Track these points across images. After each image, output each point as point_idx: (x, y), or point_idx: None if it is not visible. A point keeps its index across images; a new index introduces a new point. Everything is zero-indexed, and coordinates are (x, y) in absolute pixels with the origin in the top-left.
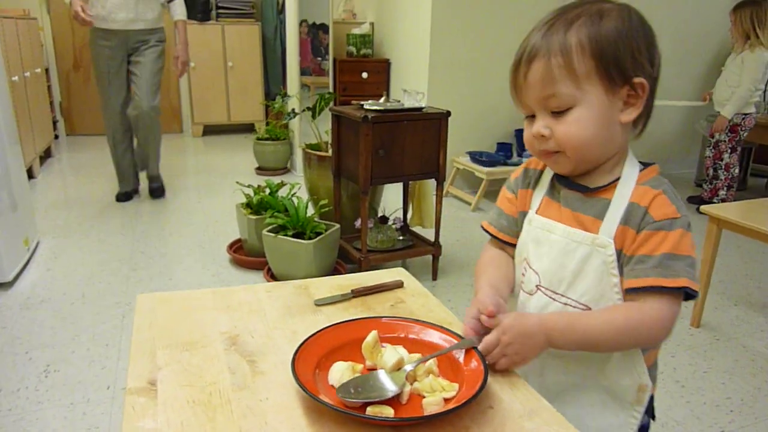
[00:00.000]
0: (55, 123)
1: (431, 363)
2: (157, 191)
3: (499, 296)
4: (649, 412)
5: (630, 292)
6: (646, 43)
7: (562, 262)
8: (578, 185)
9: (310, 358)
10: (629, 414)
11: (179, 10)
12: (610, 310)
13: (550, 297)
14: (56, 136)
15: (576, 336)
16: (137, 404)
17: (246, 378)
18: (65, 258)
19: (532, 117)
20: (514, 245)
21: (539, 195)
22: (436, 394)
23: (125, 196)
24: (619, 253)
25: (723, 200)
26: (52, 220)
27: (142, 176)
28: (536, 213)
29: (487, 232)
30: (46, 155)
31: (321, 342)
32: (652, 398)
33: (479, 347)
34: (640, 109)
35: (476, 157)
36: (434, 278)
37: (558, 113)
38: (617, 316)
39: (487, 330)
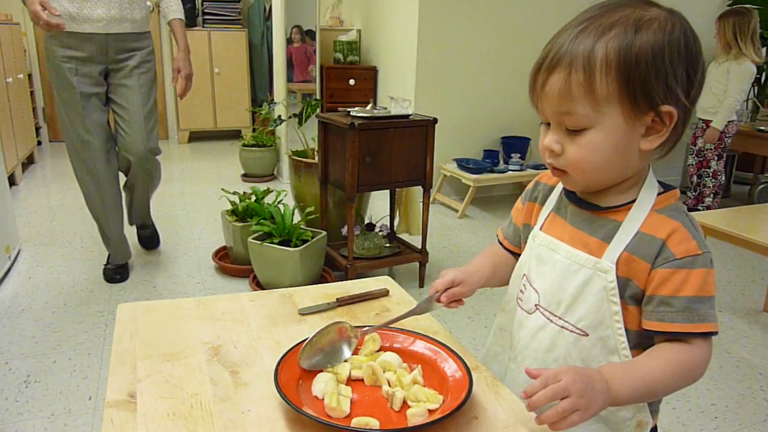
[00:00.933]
0: (38, 129)
1: (416, 373)
2: (152, 240)
3: (472, 276)
4: None
5: (657, 334)
6: (685, 67)
7: (562, 284)
8: (589, 203)
9: (293, 369)
10: None
11: (174, 5)
12: (659, 352)
13: (548, 318)
14: (39, 143)
15: (636, 382)
16: (116, 418)
17: (228, 390)
18: (47, 266)
19: (548, 124)
20: (514, 254)
21: (546, 211)
22: (421, 404)
23: (120, 271)
24: (626, 282)
25: (708, 207)
26: (34, 228)
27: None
28: (540, 229)
29: (498, 237)
30: (29, 161)
31: None
32: (655, 428)
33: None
34: (665, 137)
35: (463, 164)
36: (421, 285)
37: (572, 131)
38: (671, 358)
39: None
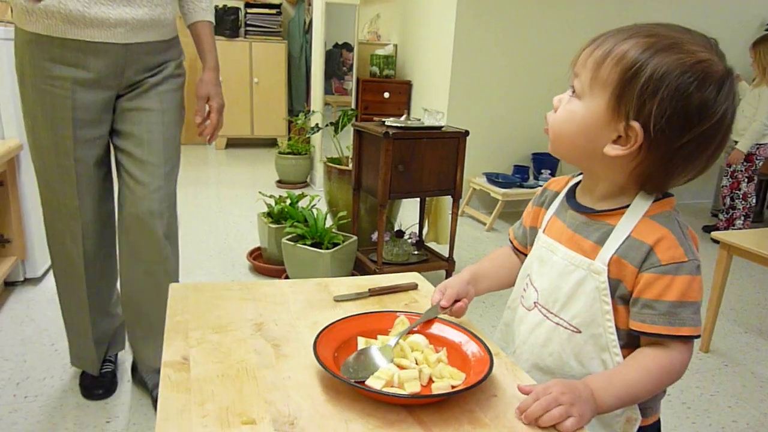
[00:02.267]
0: None
1: (442, 354)
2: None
3: (472, 285)
4: None
5: (642, 335)
6: (681, 108)
7: (559, 284)
8: (585, 207)
9: (331, 343)
10: None
11: (204, 2)
12: (639, 359)
13: (545, 315)
14: None
15: (618, 390)
16: (172, 375)
17: (270, 359)
18: None
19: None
20: (523, 253)
21: (549, 214)
22: (445, 380)
23: (102, 388)
24: (617, 283)
25: (739, 230)
26: None
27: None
28: (543, 232)
29: (509, 237)
30: None
31: (340, 328)
32: (658, 422)
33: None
34: (626, 152)
35: (492, 178)
36: None
37: (572, 92)
38: (650, 364)
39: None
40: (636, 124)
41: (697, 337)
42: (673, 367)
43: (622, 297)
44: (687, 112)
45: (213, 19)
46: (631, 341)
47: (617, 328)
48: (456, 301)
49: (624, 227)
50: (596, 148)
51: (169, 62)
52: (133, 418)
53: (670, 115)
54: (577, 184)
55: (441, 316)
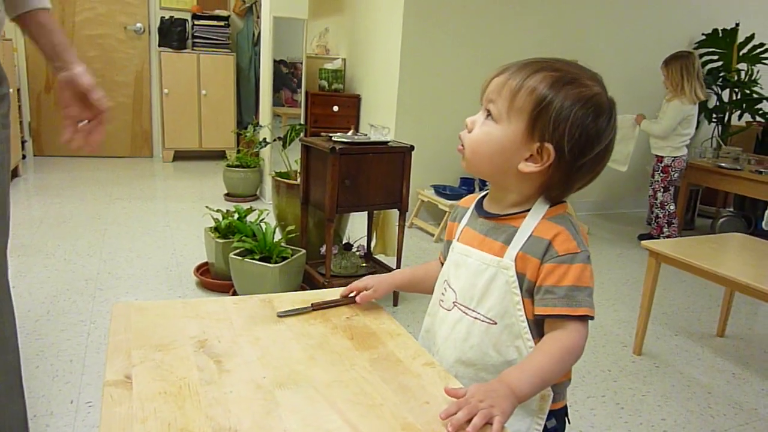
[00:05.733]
0: (23, 143)
1: None
2: None
3: (399, 286)
4: (562, 418)
5: (548, 318)
6: (580, 137)
7: (474, 281)
8: (493, 214)
9: None
10: (533, 420)
11: None
12: (544, 347)
13: (464, 311)
14: (24, 156)
15: (531, 377)
16: (114, 394)
17: (213, 375)
18: (30, 276)
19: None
20: None
21: (462, 226)
22: None
23: None
24: (522, 277)
25: (668, 237)
26: (17, 239)
27: None
28: (457, 241)
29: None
30: (13, 175)
31: None
32: (565, 408)
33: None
34: (538, 169)
35: (440, 190)
36: (395, 304)
37: (488, 115)
38: (553, 348)
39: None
40: (549, 146)
41: (592, 318)
42: (573, 347)
43: (528, 290)
44: (588, 136)
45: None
46: (540, 332)
47: (527, 320)
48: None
49: (526, 228)
50: (511, 166)
51: None
52: None
53: (577, 139)
54: (484, 197)
55: (377, 330)
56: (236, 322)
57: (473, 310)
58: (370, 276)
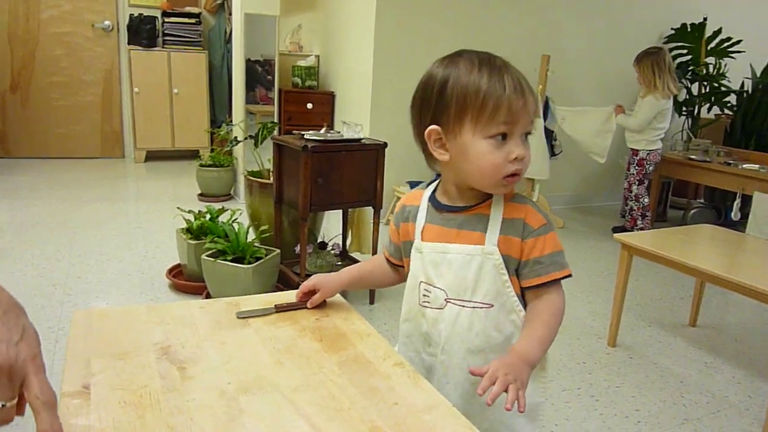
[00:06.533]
0: None
1: None
2: None
3: (348, 285)
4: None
5: (534, 288)
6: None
7: (463, 275)
8: (460, 207)
9: None
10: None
11: None
12: (537, 314)
13: (460, 305)
14: None
15: (537, 344)
16: (71, 405)
17: (175, 382)
18: None
19: (501, 137)
20: (399, 266)
21: (420, 225)
22: None
23: None
24: (507, 257)
25: (641, 229)
26: None
27: None
28: (422, 241)
29: (384, 254)
30: None
31: None
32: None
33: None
34: None
35: (415, 186)
36: (371, 302)
37: (526, 136)
38: (545, 314)
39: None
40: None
41: (571, 275)
42: (561, 308)
43: (514, 268)
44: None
45: None
46: (526, 304)
47: (516, 294)
48: (314, 292)
49: (496, 213)
50: None
51: None
52: None
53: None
54: (434, 192)
55: (347, 332)
56: (201, 326)
57: (469, 301)
58: (317, 275)
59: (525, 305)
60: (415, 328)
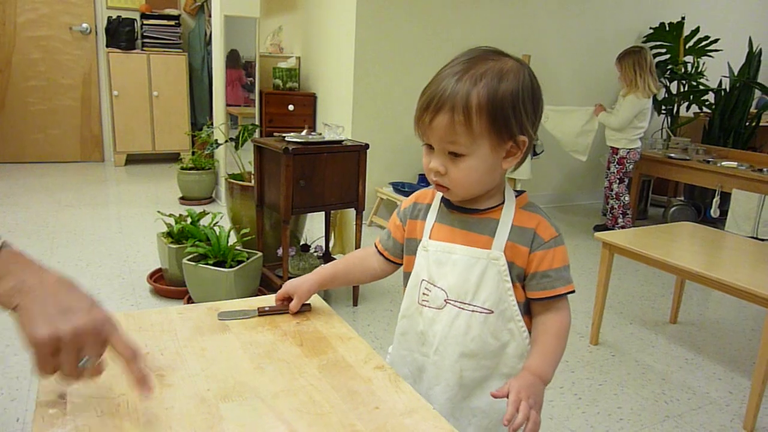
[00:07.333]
0: None
1: None
2: None
3: (323, 284)
4: None
5: (542, 300)
6: (533, 106)
7: (466, 277)
8: (470, 209)
9: None
10: None
11: None
12: (546, 330)
13: (459, 307)
14: None
15: (551, 362)
16: (47, 414)
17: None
18: None
19: (430, 146)
20: (395, 263)
21: (430, 223)
22: None
23: None
24: (512, 265)
25: (622, 227)
26: None
27: None
28: (430, 239)
29: (377, 248)
30: None
31: None
32: None
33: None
34: (519, 159)
35: (398, 187)
36: (355, 304)
37: (454, 156)
38: (556, 330)
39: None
40: (521, 137)
41: (573, 291)
42: (568, 322)
43: (517, 276)
44: (535, 99)
45: None
46: (525, 310)
47: (517, 302)
48: (290, 299)
49: (506, 219)
50: (496, 172)
51: None
52: None
53: (532, 110)
54: None
55: (328, 336)
56: (181, 333)
57: (469, 304)
58: (289, 282)
59: (526, 314)
60: (411, 326)
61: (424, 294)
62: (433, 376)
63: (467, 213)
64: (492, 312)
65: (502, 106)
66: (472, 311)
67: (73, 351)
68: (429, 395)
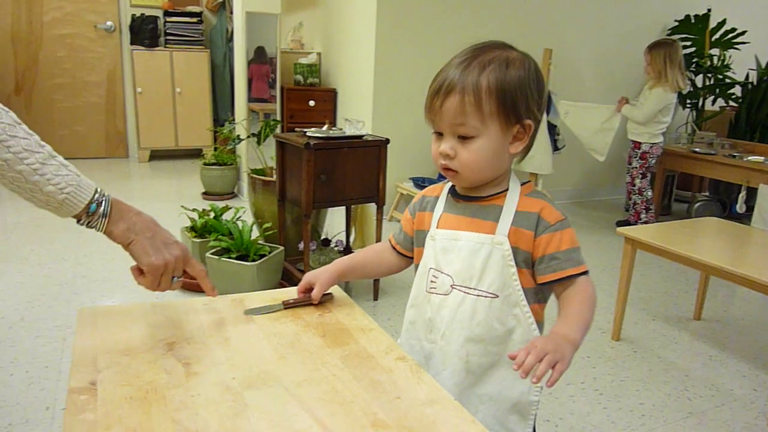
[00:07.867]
0: None
1: None
2: None
3: (336, 276)
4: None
5: (556, 282)
6: (538, 92)
7: (471, 262)
8: (475, 197)
9: None
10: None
11: None
12: (575, 300)
13: (465, 292)
14: None
15: (578, 324)
16: (78, 400)
17: (180, 378)
18: (3, 282)
19: (439, 134)
20: (406, 256)
21: (438, 214)
22: None
23: None
24: (516, 249)
25: (645, 222)
26: None
27: None
28: (437, 228)
29: (390, 243)
30: None
31: None
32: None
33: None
34: (526, 143)
35: (418, 182)
36: (375, 298)
37: (463, 139)
38: (582, 298)
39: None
40: (527, 121)
41: (587, 272)
42: (592, 294)
43: (523, 261)
44: (540, 86)
45: None
46: (535, 299)
47: (522, 288)
48: (311, 289)
49: (510, 205)
50: (503, 156)
51: None
52: None
53: (538, 96)
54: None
55: (348, 327)
56: (206, 323)
57: (474, 288)
58: (309, 273)
59: (532, 301)
60: (420, 314)
61: (432, 281)
62: (440, 361)
63: (473, 201)
64: (497, 296)
65: (511, 88)
66: (478, 296)
67: (171, 272)
68: (436, 381)
